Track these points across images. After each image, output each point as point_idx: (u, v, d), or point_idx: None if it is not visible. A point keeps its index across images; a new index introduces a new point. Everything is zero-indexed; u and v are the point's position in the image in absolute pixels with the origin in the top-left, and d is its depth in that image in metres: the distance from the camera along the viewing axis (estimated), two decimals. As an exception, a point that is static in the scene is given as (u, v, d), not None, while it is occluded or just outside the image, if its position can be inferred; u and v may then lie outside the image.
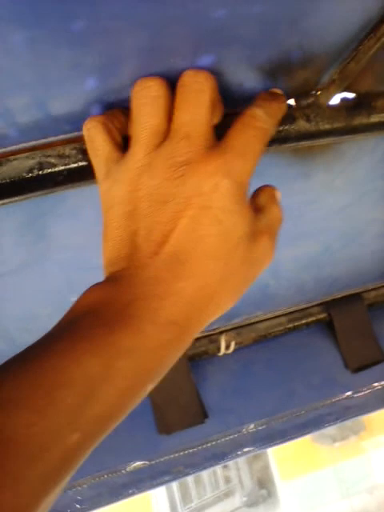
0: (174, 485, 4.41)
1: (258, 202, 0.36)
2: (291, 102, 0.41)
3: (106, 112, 0.36)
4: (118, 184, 0.34)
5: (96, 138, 0.35)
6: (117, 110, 0.36)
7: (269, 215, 0.36)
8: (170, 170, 0.32)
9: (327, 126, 0.42)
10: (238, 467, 4.88)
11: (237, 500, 4.77)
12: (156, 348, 0.30)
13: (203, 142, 0.33)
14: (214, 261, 0.32)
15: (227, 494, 4.78)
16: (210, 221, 0.32)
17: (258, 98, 0.36)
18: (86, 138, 0.36)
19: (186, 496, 4.61)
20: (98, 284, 0.32)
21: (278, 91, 0.38)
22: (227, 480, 4.87)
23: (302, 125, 0.42)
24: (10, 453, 0.24)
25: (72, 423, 0.26)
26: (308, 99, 0.41)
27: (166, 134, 0.33)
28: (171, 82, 0.34)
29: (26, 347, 0.29)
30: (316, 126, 0.42)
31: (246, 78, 0.36)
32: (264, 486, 4.82)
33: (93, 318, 0.30)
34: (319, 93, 0.41)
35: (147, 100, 0.33)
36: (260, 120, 0.34)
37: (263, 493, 4.77)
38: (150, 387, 0.30)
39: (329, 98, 0.41)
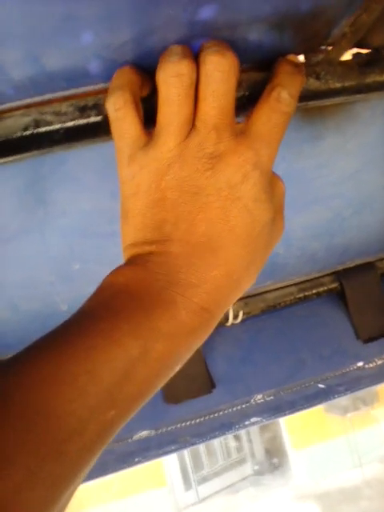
0: (186, 452, 4.50)
1: None
2: (300, 58, 0.39)
3: (126, 81, 0.34)
4: (144, 171, 0.34)
5: (126, 119, 0.34)
6: (133, 75, 0.34)
7: (276, 191, 0.36)
8: (201, 162, 0.33)
9: (338, 85, 0.40)
10: (250, 436, 4.94)
11: (248, 468, 4.84)
12: (188, 333, 0.32)
13: (230, 131, 0.33)
14: (242, 248, 0.33)
15: (239, 463, 4.85)
16: (240, 211, 0.33)
17: (279, 71, 0.35)
18: (111, 117, 0.34)
19: (197, 463, 4.69)
20: (126, 265, 0.34)
21: (296, 59, 0.37)
22: (238, 449, 4.94)
23: (311, 83, 0.40)
24: (52, 427, 0.25)
25: (110, 401, 0.28)
26: (318, 55, 0.39)
27: (192, 120, 0.34)
28: (172, 37, 0.32)
29: (61, 324, 0.30)
30: (326, 84, 0.40)
31: (249, 30, 0.34)
32: (275, 455, 4.89)
33: (129, 300, 0.31)
34: (330, 48, 0.38)
35: (180, 90, 0.32)
36: (285, 104, 0.34)
37: (274, 462, 4.84)
38: (176, 369, 0.32)
39: (340, 54, 0.39)
